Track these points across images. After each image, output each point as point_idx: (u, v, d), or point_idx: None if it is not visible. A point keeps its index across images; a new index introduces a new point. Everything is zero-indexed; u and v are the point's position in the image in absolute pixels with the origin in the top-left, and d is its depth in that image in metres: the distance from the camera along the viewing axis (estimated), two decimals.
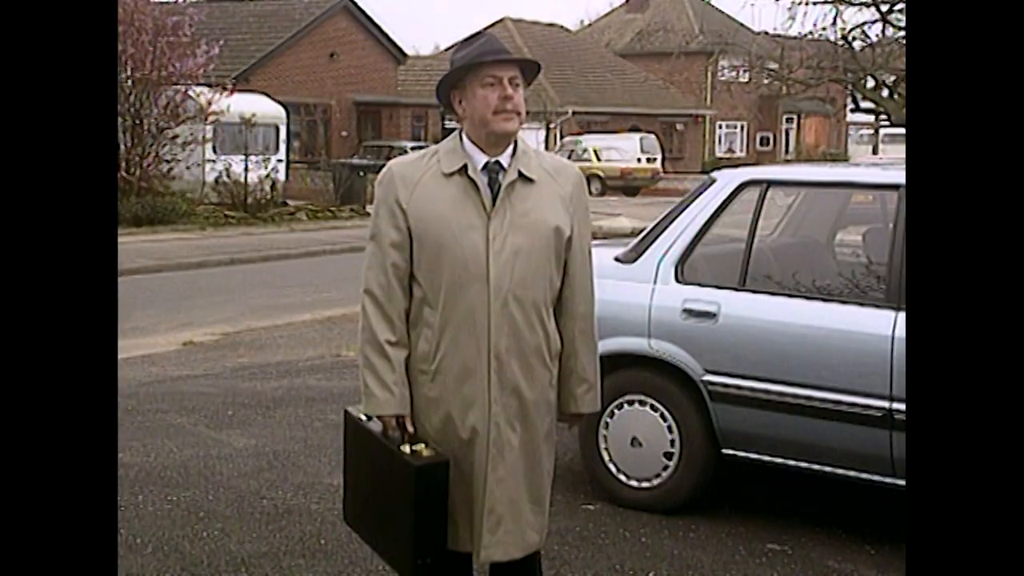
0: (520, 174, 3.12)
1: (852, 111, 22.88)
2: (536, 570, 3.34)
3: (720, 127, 50.08)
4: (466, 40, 3.19)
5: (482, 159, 3.13)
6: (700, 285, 5.08)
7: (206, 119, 22.26)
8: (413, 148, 28.40)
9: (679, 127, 46.95)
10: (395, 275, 3.11)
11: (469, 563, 3.26)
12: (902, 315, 4.50)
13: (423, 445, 3.11)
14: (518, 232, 3.08)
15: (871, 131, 46.96)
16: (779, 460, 4.88)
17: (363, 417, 3.24)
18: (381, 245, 3.12)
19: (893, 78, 18.63)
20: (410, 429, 3.13)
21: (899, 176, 4.78)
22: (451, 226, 3.06)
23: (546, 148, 36.69)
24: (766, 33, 22.89)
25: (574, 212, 3.19)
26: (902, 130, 20.68)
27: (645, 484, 5.17)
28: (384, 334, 3.10)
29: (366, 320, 3.13)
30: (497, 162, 3.13)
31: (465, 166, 3.11)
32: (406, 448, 3.10)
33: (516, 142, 3.17)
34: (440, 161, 3.14)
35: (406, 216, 3.09)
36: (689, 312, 5.02)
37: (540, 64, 3.29)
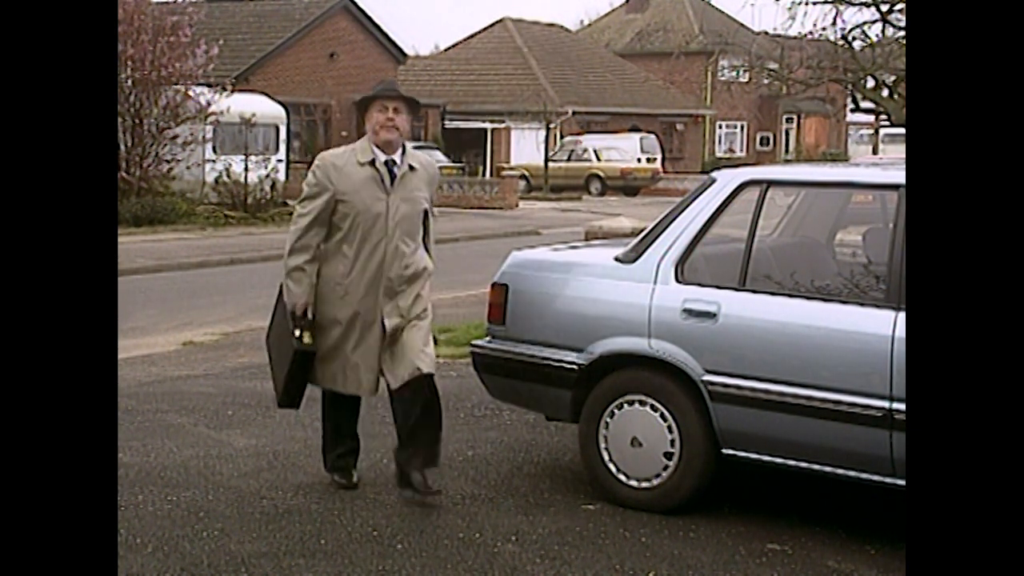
0: (410, 167, 5.18)
1: (852, 111, 22.87)
2: (426, 388, 5.12)
3: (720, 127, 50.01)
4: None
5: (383, 157, 5.14)
6: (700, 285, 5.08)
7: (206, 119, 22.25)
8: (414, 148, 28.40)
9: (679, 127, 46.89)
10: (319, 224, 5.09)
11: (359, 401, 5.38)
12: (902, 315, 4.50)
13: (309, 335, 5.11)
14: (405, 203, 5.14)
15: (871, 131, 46.92)
16: (779, 460, 4.88)
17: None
18: (315, 204, 5.07)
19: (893, 78, 18.61)
20: (309, 316, 5.11)
21: (899, 176, 4.78)
22: (364, 198, 5.06)
23: (546, 148, 36.60)
24: (766, 33, 22.86)
25: (432, 189, 5.31)
26: (902, 130, 20.65)
27: (645, 484, 5.16)
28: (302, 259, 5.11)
29: (295, 243, 5.11)
30: (392, 160, 5.15)
31: (373, 160, 5.12)
32: (298, 332, 5.11)
33: (404, 146, 5.21)
34: (356, 153, 5.15)
35: (334, 188, 5.06)
36: (689, 312, 5.02)
37: (419, 102, 5.48)
